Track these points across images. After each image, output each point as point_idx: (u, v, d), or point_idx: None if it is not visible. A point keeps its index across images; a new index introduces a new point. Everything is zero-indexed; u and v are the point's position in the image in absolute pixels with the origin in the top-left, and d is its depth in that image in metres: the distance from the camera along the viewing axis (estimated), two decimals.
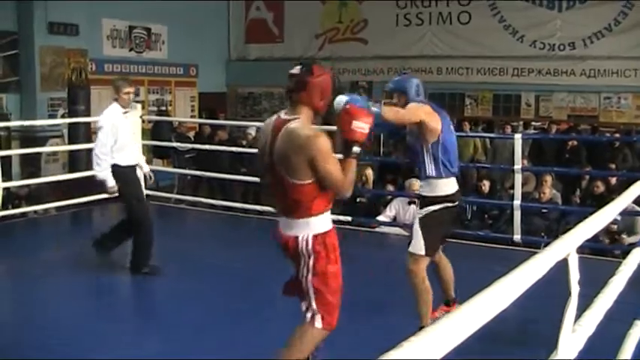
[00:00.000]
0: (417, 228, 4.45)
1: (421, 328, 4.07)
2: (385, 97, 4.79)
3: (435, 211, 4.42)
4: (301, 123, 3.37)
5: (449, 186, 4.49)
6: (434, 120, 4.42)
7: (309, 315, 3.45)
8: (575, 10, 14.04)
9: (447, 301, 4.84)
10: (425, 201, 4.51)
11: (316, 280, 3.42)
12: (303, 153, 3.27)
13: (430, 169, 4.44)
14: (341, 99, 3.64)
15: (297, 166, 3.30)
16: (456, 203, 4.55)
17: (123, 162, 6.05)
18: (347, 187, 3.39)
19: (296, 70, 3.46)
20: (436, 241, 4.50)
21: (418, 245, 4.40)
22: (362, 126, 3.41)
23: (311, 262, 3.41)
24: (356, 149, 3.42)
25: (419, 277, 4.40)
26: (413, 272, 4.40)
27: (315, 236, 3.41)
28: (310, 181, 3.33)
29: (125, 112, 6.08)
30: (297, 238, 3.42)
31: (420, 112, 4.38)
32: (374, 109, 4.04)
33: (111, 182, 5.99)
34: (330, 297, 3.45)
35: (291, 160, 3.31)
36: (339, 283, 3.50)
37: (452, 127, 4.64)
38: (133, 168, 6.22)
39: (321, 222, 3.45)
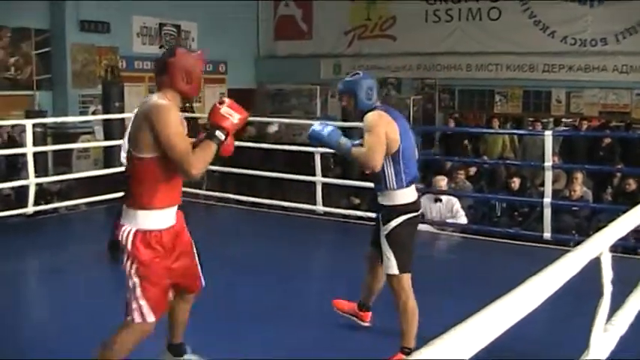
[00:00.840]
0: (385, 248, 4.14)
1: (403, 349, 4.06)
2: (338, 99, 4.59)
3: (398, 225, 4.12)
4: (156, 97, 3.33)
5: (409, 195, 4.18)
6: (393, 130, 4.08)
7: (128, 310, 3.37)
8: (606, 5, 13.86)
9: (362, 305, 4.66)
10: (386, 212, 4.17)
11: (136, 271, 3.31)
12: (148, 120, 3.21)
13: (391, 181, 4.12)
14: (313, 126, 4.09)
15: (141, 135, 3.24)
16: (419, 212, 4.28)
17: None
18: (194, 163, 3.22)
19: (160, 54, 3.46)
20: (408, 255, 4.15)
21: (390, 265, 4.12)
22: (231, 113, 3.45)
23: (130, 256, 3.31)
24: (219, 134, 3.38)
25: (401, 298, 4.12)
26: (396, 293, 4.14)
27: (137, 233, 3.31)
28: (153, 155, 3.24)
29: None
30: (122, 226, 3.33)
31: (380, 129, 4.04)
32: (347, 144, 4.13)
33: None
34: (151, 291, 3.33)
35: (137, 130, 3.26)
36: (162, 277, 3.37)
37: (409, 128, 4.27)
38: None
39: (152, 218, 3.33)
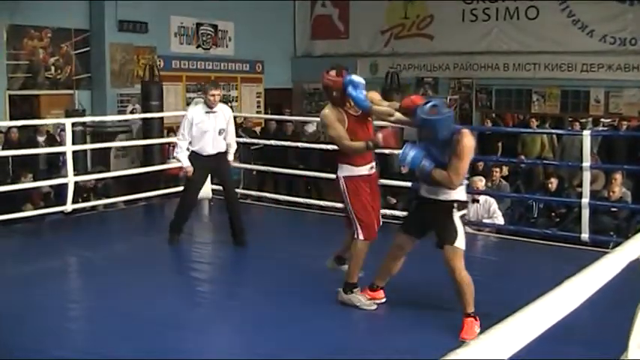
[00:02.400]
0: (460, 224, 4.68)
1: (468, 314, 4.52)
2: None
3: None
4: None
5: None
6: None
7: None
8: None
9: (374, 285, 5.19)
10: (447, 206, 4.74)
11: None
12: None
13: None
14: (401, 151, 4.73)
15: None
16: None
17: (199, 151, 6.94)
18: (345, 145, 5.11)
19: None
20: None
21: (462, 240, 4.62)
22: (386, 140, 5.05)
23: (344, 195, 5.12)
24: (370, 144, 5.05)
25: (460, 272, 4.58)
26: (457, 268, 4.58)
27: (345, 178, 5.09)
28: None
29: (208, 112, 6.90)
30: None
31: (469, 153, 4.62)
32: (425, 168, 4.63)
33: (185, 163, 6.94)
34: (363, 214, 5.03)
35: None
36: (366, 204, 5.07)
37: None
38: (208, 157, 6.96)
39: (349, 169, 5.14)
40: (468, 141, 4.44)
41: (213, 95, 6.86)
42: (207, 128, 6.87)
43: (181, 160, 6.96)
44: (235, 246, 7.00)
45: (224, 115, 7.04)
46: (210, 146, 6.94)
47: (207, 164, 6.99)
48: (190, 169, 6.93)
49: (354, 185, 5.11)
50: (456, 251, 4.56)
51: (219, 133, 6.97)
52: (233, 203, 7.19)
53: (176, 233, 7.14)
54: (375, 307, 5.13)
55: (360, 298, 5.13)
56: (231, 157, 7.30)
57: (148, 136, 11.62)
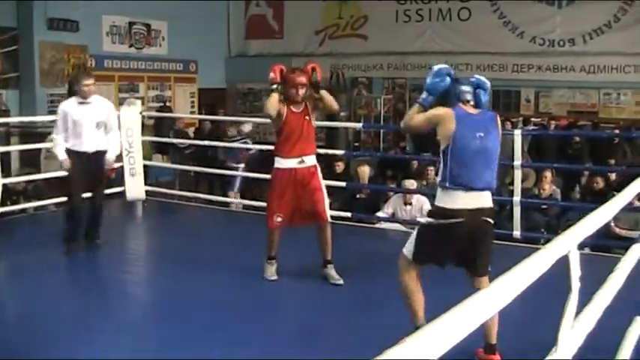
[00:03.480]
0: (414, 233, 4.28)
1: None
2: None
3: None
4: None
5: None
6: None
7: None
8: (574, 6, 14.02)
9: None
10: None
11: None
12: None
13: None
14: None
15: None
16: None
17: (75, 148, 6.53)
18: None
19: None
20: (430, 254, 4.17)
21: (410, 245, 4.18)
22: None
23: None
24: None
25: (403, 277, 4.18)
26: (399, 275, 4.21)
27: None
28: None
29: (82, 103, 6.53)
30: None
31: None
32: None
33: (62, 156, 6.56)
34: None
35: None
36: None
37: None
38: (86, 155, 6.56)
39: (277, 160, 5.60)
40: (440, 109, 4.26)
41: (87, 85, 6.49)
42: (81, 121, 6.47)
43: (58, 153, 6.59)
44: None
45: (101, 107, 6.65)
46: (87, 142, 6.53)
47: (85, 162, 6.57)
48: (67, 162, 6.51)
49: (274, 175, 5.66)
50: (401, 256, 4.23)
51: (97, 126, 6.57)
52: (95, 211, 6.79)
53: (72, 242, 6.66)
54: (274, 278, 5.70)
55: (266, 269, 5.74)
56: (112, 155, 6.81)
57: None
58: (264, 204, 6.28)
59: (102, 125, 6.62)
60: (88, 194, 6.79)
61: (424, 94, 4.43)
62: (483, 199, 4.08)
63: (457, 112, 4.11)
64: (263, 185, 9.59)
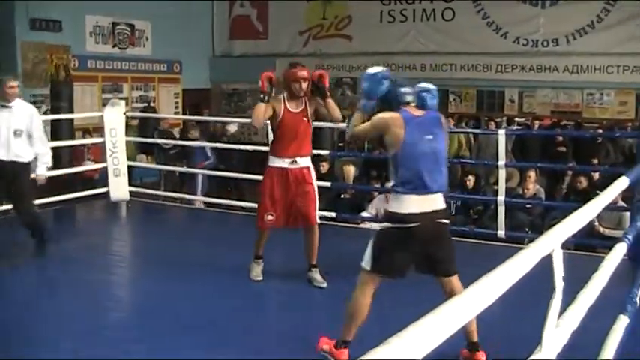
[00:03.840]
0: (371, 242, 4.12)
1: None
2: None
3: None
4: None
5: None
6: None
7: None
8: (558, 7, 14.09)
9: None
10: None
11: None
12: None
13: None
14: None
15: None
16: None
17: None
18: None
19: None
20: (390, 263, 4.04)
21: (367, 258, 4.06)
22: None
23: None
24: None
25: (356, 292, 4.08)
26: (357, 284, 4.11)
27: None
28: None
29: (2, 106, 6.05)
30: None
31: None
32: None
33: None
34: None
35: None
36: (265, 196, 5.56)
37: None
38: (2, 164, 6.10)
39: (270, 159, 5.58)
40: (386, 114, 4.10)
41: (12, 87, 6.03)
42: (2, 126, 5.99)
43: None
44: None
45: (23, 113, 6.14)
46: (3, 150, 6.04)
47: (2, 172, 6.10)
48: None
49: (266, 174, 5.64)
50: (361, 270, 4.09)
51: (16, 134, 6.06)
52: (27, 227, 6.40)
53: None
54: (259, 278, 5.74)
55: (252, 269, 5.79)
56: (42, 169, 6.39)
57: (56, 138, 11.30)
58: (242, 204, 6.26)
59: (22, 134, 6.12)
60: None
61: (364, 100, 4.32)
62: (436, 202, 4.02)
63: (404, 116, 4.02)
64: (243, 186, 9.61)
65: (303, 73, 5.54)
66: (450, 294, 3.99)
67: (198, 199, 10.43)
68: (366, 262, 4.04)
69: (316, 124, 5.99)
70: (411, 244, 3.97)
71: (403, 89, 4.20)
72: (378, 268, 4.02)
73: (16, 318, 4.91)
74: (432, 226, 4.00)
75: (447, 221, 4.12)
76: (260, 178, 5.88)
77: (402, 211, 3.96)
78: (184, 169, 11.00)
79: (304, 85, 5.51)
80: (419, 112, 4.09)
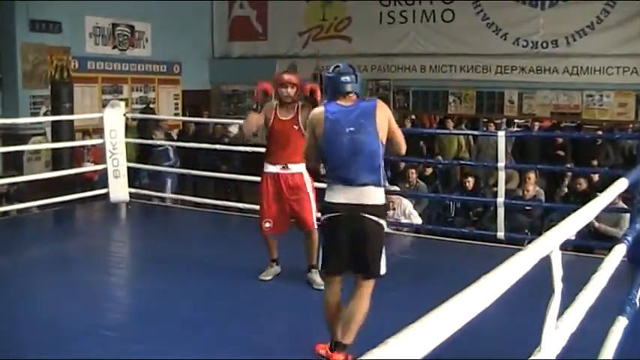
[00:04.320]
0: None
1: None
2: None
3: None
4: None
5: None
6: None
7: None
8: (557, 8, 14.08)
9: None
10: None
11: None
12: None
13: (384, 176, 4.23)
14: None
15: None
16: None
17: None
18: None
19: None
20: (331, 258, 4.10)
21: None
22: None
23: None
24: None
25: (325, 292, 4.22)
26: None
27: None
28: None
29: None
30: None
31: None
32: None
33: None
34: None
35: None
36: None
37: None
38: None
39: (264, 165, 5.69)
40: (310, 115, 4.25)
41: None
42: None
43: None
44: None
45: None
46: None
47: None
48: None
49: (261, 179, 5.76)
50: None
51: None
52: None
53: None
54: (265, 278, 5.79)
55: (265, 269, 5.87)
56: None
57: (57, 139, 11.32)
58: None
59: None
60: None
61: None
62: (364, 195, 3.95)
63: (327, 109, 4.06)
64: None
65: (290, 77, 5.64)
66: (353, 297, 4.02)
67: (170, 197, 10.55)
68: (320, 265, 4.16)
69: None
70: (338, 236, 4.00)
71: (342, 78, 4.14)
72: (324, 267, 4.12)
73: (15, 318, 4.91)
74: (356, 219, 3.95)
75: (374, 218, 3.99)
76: (259, 179, 5.91)
77: (329, 199, 4.04)
78: (184, 171, 10.97)
79: (291, 90, 5.56)
80: (349, 102, 4.07)
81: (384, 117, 4.04)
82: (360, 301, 4.01)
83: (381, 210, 4.03)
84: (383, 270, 4.06)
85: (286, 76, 5.63)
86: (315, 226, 5.63)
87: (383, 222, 4.03)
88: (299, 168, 5.60)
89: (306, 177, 5.67)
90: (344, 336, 4.01)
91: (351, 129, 3.94)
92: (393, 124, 4.10)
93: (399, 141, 4.17)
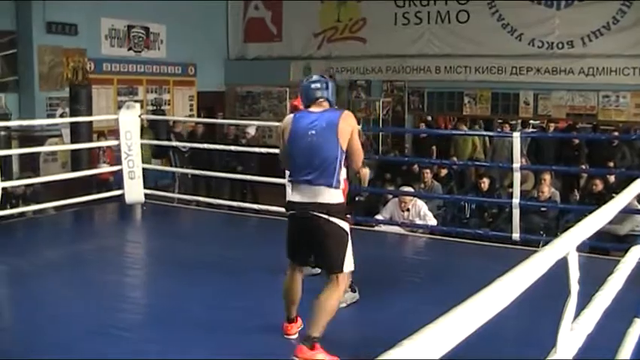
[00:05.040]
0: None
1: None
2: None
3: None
4: None
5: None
6: None
7: None
8: (573, 8, 14.03)
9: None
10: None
11: None
12: None
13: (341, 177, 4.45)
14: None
15: None
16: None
17: None
18: None
19: None
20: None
21: None
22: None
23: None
24: None
25: (286, 274, 4.48)
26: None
27: None
28: None
29: None
30: None
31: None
32: None
33: None
34: None
35: None
36: None
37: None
38: None
39: None
40: (282, 122, 4.48)
41: None
42: None
43: None
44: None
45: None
46: None
47: None
48: None
49: None
50: None
51: None
52: None
53: None
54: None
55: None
56: None
57: (75, 141, 11.38)
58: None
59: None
60: None
61: None
62: (316, 195, 4.16)
63: (295, 116, 4.30)
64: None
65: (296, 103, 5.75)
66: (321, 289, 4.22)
67: (184, 198, 10.60)
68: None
69: None
70: (294, 232, 4.32)
71: (312, 85, 4.37)
72: (287, 254, 4.41)
73: (30, 318, 4.94)
74: (306, 217, 4.19)
75: (326, 216, 4.14)
76: (275, 180, 5.92)
77: (288, 198, 4.37)
78: (197, 172, 11.00)
79: None
80: (319, 109, 4.29)
81: (348, 127, 4.21)
82: (324, 294, 4.19)
83: (334, 208, 4.18)
84: (347, 267, 4.22)
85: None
86: None
87: (337, 220, 4.17)
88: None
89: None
90: (309, 327, 4.17)
91: (312, 132, 4.16)
92: (355, 137, 4.25)
93: (354, 156, 4.31)
